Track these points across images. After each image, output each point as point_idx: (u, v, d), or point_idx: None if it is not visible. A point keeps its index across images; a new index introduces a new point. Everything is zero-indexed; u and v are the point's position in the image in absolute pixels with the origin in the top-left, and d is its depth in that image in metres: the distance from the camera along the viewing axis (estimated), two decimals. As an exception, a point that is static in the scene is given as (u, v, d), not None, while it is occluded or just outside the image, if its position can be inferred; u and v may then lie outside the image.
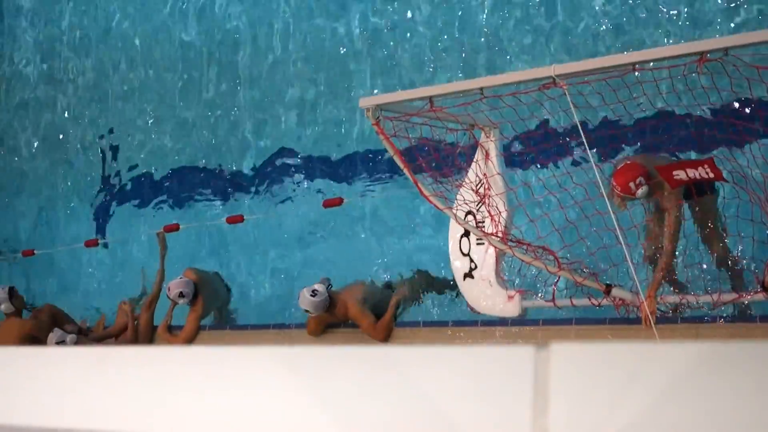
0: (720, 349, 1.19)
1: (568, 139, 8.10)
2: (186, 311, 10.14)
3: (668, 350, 1.21)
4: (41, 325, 10.42)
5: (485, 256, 7.66)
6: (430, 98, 6.91)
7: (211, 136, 12.04)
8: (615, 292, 6.94)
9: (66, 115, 13.59)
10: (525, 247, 7.26)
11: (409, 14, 10.63)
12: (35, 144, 13.84)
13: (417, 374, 1.34)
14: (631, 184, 6.91)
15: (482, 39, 10.07)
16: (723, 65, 5.93)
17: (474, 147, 7.67)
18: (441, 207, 7.39)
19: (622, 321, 7.23)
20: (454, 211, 7.52)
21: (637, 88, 6.59)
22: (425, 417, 1.30)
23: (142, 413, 1.57)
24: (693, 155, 7.84)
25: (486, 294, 7.68)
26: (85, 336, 10.38)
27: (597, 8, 9.42)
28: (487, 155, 7.58)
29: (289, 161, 11.31)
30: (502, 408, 1.25)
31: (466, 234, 7.78)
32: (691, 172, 6.46)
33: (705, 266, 7.44)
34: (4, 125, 14.21)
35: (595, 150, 7.92)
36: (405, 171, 7.22)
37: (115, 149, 13.00)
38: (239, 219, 10.18)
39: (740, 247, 7.27)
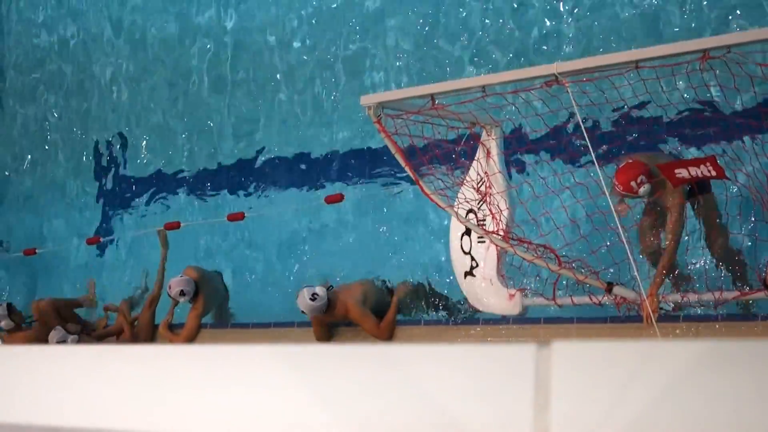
0: (721, 348, 1.18)
1: (569, 136, 8.09)
2: (187, 309, 10.15)
3: (669, 348, 1.21)
4: (47, 323, 10.49)
5: (486, 254, 7.66)
6: (432, 96, 6.91)
7: (212, 135, 12.04)
8: (616, 290, 6.94)
9: (66, 114, 13.59)
10: (526, 245, 7.25)
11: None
12: (36, 143, 13.85)
13: (418, 372, 1.34)
14: (633, 183, 6.92)
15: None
16: (726, 63, 5.92)
17: (475, 145, 7.67)
18: (442, 205, 7.39)
19: (624, 319, 7.23)
20: (456, 210, 7.52)
21: (639, 86, 6.58)
22: (427, 415, 1.30)
23: (143, 411, 1.57)
24: (695, 153, 7.83)
25: (487, 292, 7.68)
26: (88, 335, 10.39)
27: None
28: (488, 153, 7.58)
29: (291, 159, 11.31)
30: (503, 406, 1.25)
31: (467, 232, 7.78)
32: (693, 171, 6.45)
33: (707, 264, 7.44)
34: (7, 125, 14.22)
35: (596, 147, 7.91)
36: (407, 169, 7.22)
37: (116, 148, 13.00)
38: (240, 216, 10.18)
39: (742, 246, 7.27)
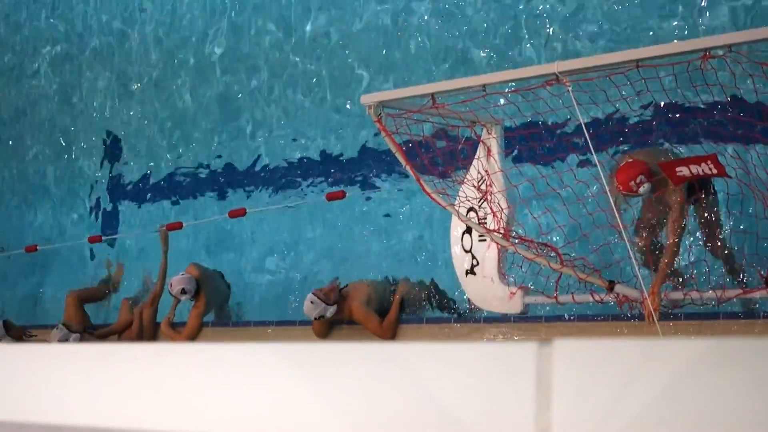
0: (723, 346, 1.18)
1: (571, 135, 8.09)
2: (189, 308, 10.15)
3: (671, 346, 1.21)
4: (72, 316, 10.58)
5: (487, 252, 7.66)
6: (433, 95, 6.91)
7: (214, 134, 12.04)
8: (618, 288, 6.94)
9: (68, 112, 13.59)
10: (527, 243, 7.25)
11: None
12: (36, 142, 13.85)
13: (420, 371, 1.34)
14: (632, 183, 6.90)
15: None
16: (727, 62, 5.92)
17: (476, 144, 7.67)
18: (443, 204, 7.39)
19: (626, 317, 7.22)
20: (456, 208, 7.52)
21: (640, 85, 6.58)
22: (428, 413, 1.30)
23: (144, 410, 1.57)
24: (696, 151, 7.83)
25: (488, 290, 7.68)
26: (90, 334, 10.39)
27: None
28: (489, 152, 7.58)
29: (292, 157, 11.31)
30: (505, 404, 1.25)
31: (468, 231, 7.78)
32: (695, 169, 6.45)
33: (708, 263, 7.44)
34: (8, 123, 14.22)
35: (597, 146, 7.91)
36: (407, 168, 7.22)
37: (118, 146, 13.00)
38: (242, 212, 10.19)
39: (743, 244, 7.26)
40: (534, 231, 7.54)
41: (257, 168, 11.57)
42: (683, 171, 6.51)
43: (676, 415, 1.15)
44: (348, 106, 10.88)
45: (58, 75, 13.79)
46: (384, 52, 10.74)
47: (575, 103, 6.21)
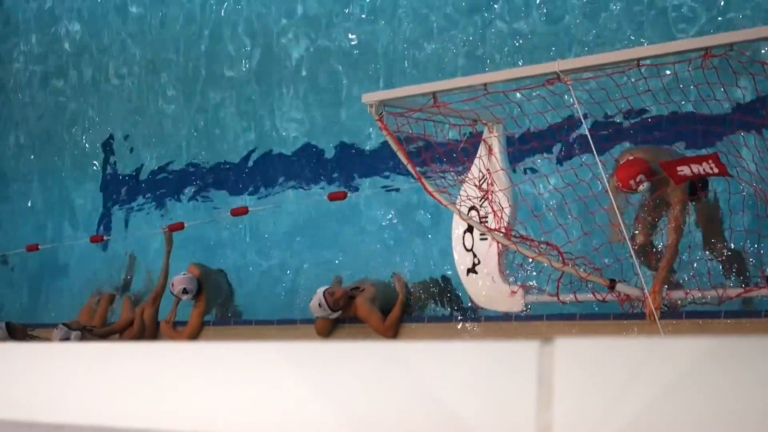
0: (725, 344, 1.19)
1: (572, 134, 8.08)
2: (190, 307, 10.16)
3: (673, 345, 1.21)
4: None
5: (488, 251, 7.66)
6: (434, 94, 6.91)
7: (215, 132, 12.04)
8: (620, 287, 6.93)
9: (69, 111, 13.59)
10: (528, 242, 7.25)
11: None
12: (39, 140, 13.86)
13: (421, 370, 1.34)
14: (632, 182, 6.91)
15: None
16: (728, 60, 5.92)
17: (477, 142, 7.67)
18: (444, 203, 7.39)
19: (627, 316, 7.22)
20: (458, 207, 7.52)
21: (641, 84, 6.58)
22: (430, 412, 1.30)
23: (145, 409, 1.57)
24: (697, 150, 7.83)
25: (489, 289, 7.68)
26: (90, 332, 10.39)
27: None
28: (490, 150, 7.58)
29: (294, 155, 11.31)
30: (506, 403, 1.25)
31: (470, 230, 7.78)
32: (696, 168, 6.44)
33: (709, 262, 7.44)
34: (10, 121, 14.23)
35: (598, 144, 7.90)
36: (408, 167, 7.22)
37: (120, 145, 13.01)
38: (244, 211, 10.20)
39: (745, 243, 7.26)
40: (535, 230, 7.54)
41: (258, 167, 11.57)
42: (684, 170, 6.50)
43: (678, 414, 1.15)
44: (350, 105, 10.87)
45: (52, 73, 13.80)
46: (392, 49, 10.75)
47: (576, 102, 6.21)
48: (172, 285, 9.93)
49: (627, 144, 8.21)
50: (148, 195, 12.49)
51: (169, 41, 12.57)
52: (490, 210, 7.53)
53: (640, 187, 6.95)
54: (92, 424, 1.60)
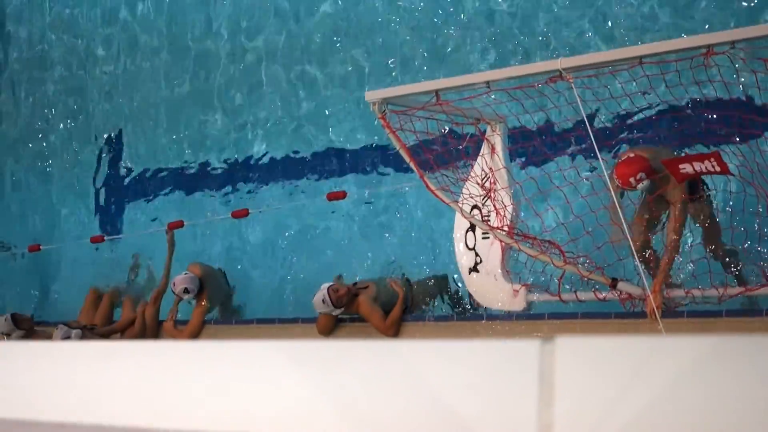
0: (725, 343, 1.19)
1: (574, 132, 8.08)
2: (192, 306, 10.17)
3: (674, 344, 1.21)
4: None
5: (490, 250, 7.66)
6: (437, 92, 6.91)
7: (217, 131, 12.04)
8: (621, 286, 6.93)
9: (72, 109, 13.60)
10: (530, 241, 7.25)
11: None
12: (41, 138, 13.86)
13: (423, 368, 1.34)
14: (632, 179, 6.86)
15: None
16: (730, 58, 5.92)
17: (480, 141, 7.67)
18: (447, 201, 7.39)
19: (628, 315, 7.22)
20: (460, 205, 7.52)
21: (643, 82, 6.57)
22: (431, 411, 1.30)
23: (146, 407, 1.57)
24: (699, 148, 7.82)
25: (491, 288, 7.68)
26: (90, 332, 10.40)
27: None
28: (493, 149, 7.58)
29: (295, 155, 11.32)
30: (508, 401, 1.25)
31: (472, 228, 7.78)
32: (698, 166, 6.44)
33: (710, 260, 7.43)
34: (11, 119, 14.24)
35: (600, 143, 7.90)
36: (411, 165, 7.23)
37: (121, 144, 13.01)
38: (244, 213, 10.20)
39: (746, 241, 7.26)
40: (537, 228, 7.54)
41: (259, 167, 11.57)
42: (686, 168, 6.50)
43: (679, 412, 1.15)
44: (351, 103, 10.87)
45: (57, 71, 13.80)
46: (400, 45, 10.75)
47: (578, 100, 6.21)
48: (174, 284, 9.94)
49: (628, 141, 8.21)
50: (149, 194, 12.49)
51: (173, 35, 12.56)
52: (492, 208, 7.53)
53: (640, 185, 6.92)
54: (93, 423, 1.60)
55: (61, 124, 13.66)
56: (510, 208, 7.43)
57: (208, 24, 12.29)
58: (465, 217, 7.59)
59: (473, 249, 7.80)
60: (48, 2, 13.95)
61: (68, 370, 1.73)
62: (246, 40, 11.92)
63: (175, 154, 12.36)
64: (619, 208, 6.71)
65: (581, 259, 7.10)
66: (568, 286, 7.28)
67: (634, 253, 6.53)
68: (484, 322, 8.37)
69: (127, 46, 13.04)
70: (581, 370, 1.23)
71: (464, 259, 7.89)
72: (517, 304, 7.55)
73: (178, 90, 12.47)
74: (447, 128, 7.69)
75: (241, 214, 10.22)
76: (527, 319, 7.99)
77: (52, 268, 13.02)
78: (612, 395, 1.19)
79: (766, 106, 7.17)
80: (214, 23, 12.20)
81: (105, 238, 12.07)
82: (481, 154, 7.66)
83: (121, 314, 10.85)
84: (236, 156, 11.82)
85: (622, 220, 6.57)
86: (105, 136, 13.17)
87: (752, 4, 8.62)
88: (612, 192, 6.67)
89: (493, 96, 6.91)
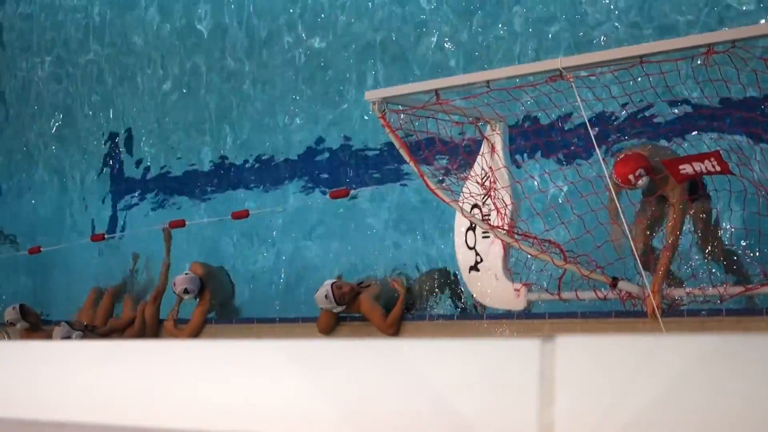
0: (726, 342, 1.18)
1: (574, 131, 8.08)
2: (193, 304, 10.17)
3: (674, 343, 1.21)
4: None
5: (491, 249, 7.66)
6: (437, 91, 6.91)
7: (218, 130, 12.05)
8: (621, 285, 6.93)
9: (74, 108, 13.60)
10: (531, 240, 7.25)
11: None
12: (41, 137, 13.87)
13: (423, 367, 1.34)
14: (631, 176, 6.83)
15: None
16: (731, 57, 5.92)
17: (480, 140, 7.67)
18: (447, 200, 7.39)
19: (629, 314, 7.22)
20: (460, 204, 7.52)
21: (644, 81, 6.57)
22: (432, 410, 1.30)
23: (147, 407, 1.57)
24: (699, 148, 7.82)
25: (491, 287, 7.68)
26: (91, 332, 10.40)
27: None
28: (493, 148, 7.58)
29: (296, 154, 11.32)
30: (508, 400, 1.25)
31: (472, 227, 7.78)
32: (698, 166, 6.43)
33: (710, 260, 7.43)
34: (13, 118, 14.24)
35: (601, 142, 7.91)
36: (411, 164, 7.23)
37: (122, 143, 13.01)
38: (244, 214, 10.20)
39: (746, 240, 7.26)
40: (537, 228, 7.53)
41: (260, 166, 11.57)
42: (686, 168, 6.49)
43: (680, 411, 1.15)
44: (352, 102, 10.88)
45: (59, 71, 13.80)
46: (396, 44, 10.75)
47: (579, 99, 6.21)
48: (174, 285, 9.94)
49: (628, 142, 8.20)
50: (150, 194, 12.49)
51: (174, 36, 12.57)
52: (492, 207, 7.53)
53: (640, 182, 6.88)
54: (94, 422, 1.60)
55: (61, 125, 13.66)
56: (510, 207, 7.43)
57: (214, 18, 12.28)
58: (465, 216, 7.59)
59: (473, 248, 7.79)
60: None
61: (68, 370, 1.73)
62: (256, 37, 11.90)
63: (177, 154, 12.36)
64: (618, 208, 6.71)
65: (581, 258, 7.10)
66: (569, 284, 7.27)
67: (635, 252, 6.53)
68: (484, 321, 8.37)
69: (129, 45, 13.04)
70: (582, 369, 1.23)
71: (464, 259, 7.89)
72: (518, 304, 7.54)
73: (181, 90, 12.47)
74: (447, 127, 7.69)
75: (241, 215, 10.23)
76: (528, 319, 7.99)
77: (52, 267, 13.02)
78: (613, 394, 1.19)
79: (766, 105, 7.18)
80: (220, 24, 12.20)
81: (105, 236, 12.08)
82: (481, 152, 7.66)
83: (122, 313, 10.85)
84: (237, 155, 11.82)
85: (623, 220, 6.56)
86: (107, 135, 13.17)
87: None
88: (612, 191, 6.67)
89: (492, 95, 6.91)
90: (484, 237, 7.72)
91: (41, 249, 12.08)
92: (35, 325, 10.69)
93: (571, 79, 6.18)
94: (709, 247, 7.43)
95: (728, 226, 7.35)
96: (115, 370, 1.66)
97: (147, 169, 12.66)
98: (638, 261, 6.69)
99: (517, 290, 7.48)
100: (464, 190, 7.65)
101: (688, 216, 7.16)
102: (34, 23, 14.18)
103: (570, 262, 6.96)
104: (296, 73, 11.47)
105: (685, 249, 7.34)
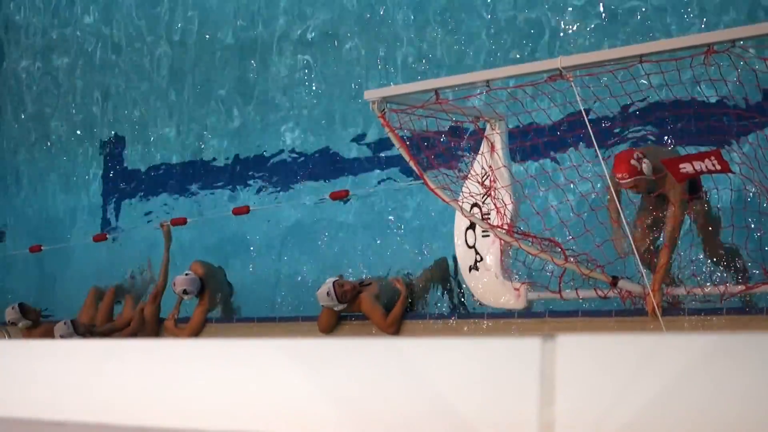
0: (726, 341, 1.18)
1: (574, 131, 8.08)
2: (194, 303, 10.17)
3: (675, 342, 1.21)
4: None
5: (491, 248, 7.66)
6: (436, 90, 6.91)
7: (219, 130, 12.05)
8: (622, 284, 6.93)
9: (72, 107, 13.60)
10: (531, 239, 7.25)
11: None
12: (42, 136, 13.87)
13: (424, 366, 1.34)
14: (633, 162, 6.75)
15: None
16: (730, 57, 5.92)
17: (480, 139, 7.67)
18: (447, 199, 7.39)
19: (629, 313, 7.22)
20: (460, 204, 7.52)
21: (644, 80, 6.57)
22: (432, 409, 1.30)
23: (147, 406, 1.57)
24: (699, 147, 7.81)
25: (492, 286, 7.68)
26: (91, 332, 10.40)
27: None
28: (492, 147, 7.58)
29: (297, 154, 11.32)
30: (509, 399, 1.25)
31: (472, 226, 7.78)
32: (698, 165, 6.43)
33: (710, 259, 7.43)
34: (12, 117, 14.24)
35: (600, 142, 7.90)
36: (411, 163, 7.23)
37: (123, 142, 13.01)
38: (245, 210, 10.19)
39: (747, 239, 7.26)
40: (537, 227, 7.53)
41: (261, 166, 11.57)
42: (686, 168, 6.48)
43: (680, 410, 1.15)
44: (353, 102, 10.87)
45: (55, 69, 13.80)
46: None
47: (579, 99, 6.21)
48: (174, 285, 9.93)
49: (628, 140, 8.20)
50: (151, 193, 12.49)
51: (181, 34, 12.56)
52: (492, 207, 7.53)
53: (643, 166, 6.75)
54: (94, 422, 1.60)
55: (61, 124, 13.66)
56: (510, 207, 7.43)
57: (214, 16, 12.28)
58: (465, 216, 7.59)
59: (473, 247, 7.79)
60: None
61: (68, 369, 1.73)
62: (250, 34, 11.90)
63: (177, 151, 12.35)
64: (619, 208, 6.71)
65: (582, 257, 7.09)
66: (570, 283, 7.27)
67: (635, 251, 6.53)
68: (484, 320, 8.37)
69: (129, 43, 13.03)
70: (582, 367, 1.23)
71: (464, 258, 7.89)
72: (518, 303, 7.54)
73: (182, 87, 12.47)
74: (447, 126, 7.69)
75: (242, 210, 10.22)
76: (528, 317, 7.99)
77: (52, 267, 13.02)
78: (613, 393, 1.19)
79: (766, 104, 7.17)
80: (224, 21, 12.20)
81: (108, 236, 12.08)
82: (480, 152, 7.66)
83: (122, 313, 10.85)
84: (238, 153, 11.82)
85: (623, 220, 6.56)
86: (108, 134, 13.16)
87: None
88: (612, 191, 6.66)
89: (492, 94, 6.92)
90: (484, 236, 7.72)
91: (42, 248, 12.08)
92: (36, 322, 10.74)
93: (571, 79, 6.18)
94: (710, 246, 7.43)
95: (728, 225, 7.35)
96: (115, 370, 1.66)
97: (147, 168, 12.65)
98: (638, 260, 6.68)
99: (517, 289, 7.48)
100: (464, 189, 7.65)
101: (688, 215, 7.16)
102: (41, 16, 14.16)
103: (570, 261, 6.96)
104: (298, 72, 11.47)
105: (685, 248, 7.34)
